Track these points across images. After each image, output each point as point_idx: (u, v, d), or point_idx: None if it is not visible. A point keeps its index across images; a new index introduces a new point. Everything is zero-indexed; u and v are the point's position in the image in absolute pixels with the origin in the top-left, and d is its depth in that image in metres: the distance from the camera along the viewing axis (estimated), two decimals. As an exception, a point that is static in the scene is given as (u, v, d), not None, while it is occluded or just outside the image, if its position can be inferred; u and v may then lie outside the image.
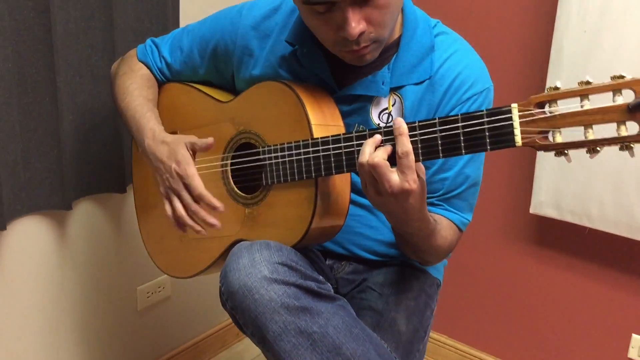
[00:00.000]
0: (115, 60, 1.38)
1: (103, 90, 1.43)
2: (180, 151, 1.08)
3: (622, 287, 1.61)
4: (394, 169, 0.89)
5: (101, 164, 1.47)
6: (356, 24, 0.92)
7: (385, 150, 0.90)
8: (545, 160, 1.57)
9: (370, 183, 0.91)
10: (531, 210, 1.64)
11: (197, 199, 1.05)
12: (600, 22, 1.42)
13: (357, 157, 0.93)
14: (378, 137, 0.91)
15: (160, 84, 1.27)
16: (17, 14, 1.26)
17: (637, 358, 1.62)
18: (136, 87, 1.22)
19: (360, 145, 0.94)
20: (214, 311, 1.93)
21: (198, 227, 1.08)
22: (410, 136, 0.89)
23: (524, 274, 1.76)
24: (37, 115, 1.33)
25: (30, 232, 1.40)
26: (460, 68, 1.06)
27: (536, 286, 1.75)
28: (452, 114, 1.03)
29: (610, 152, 1.43)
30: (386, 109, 1.08)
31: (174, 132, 1.20)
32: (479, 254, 1.83)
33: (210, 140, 1.07)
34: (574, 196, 1.54)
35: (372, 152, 0.90)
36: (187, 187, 1.05)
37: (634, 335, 1.62)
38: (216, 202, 1.05)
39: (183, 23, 1.55)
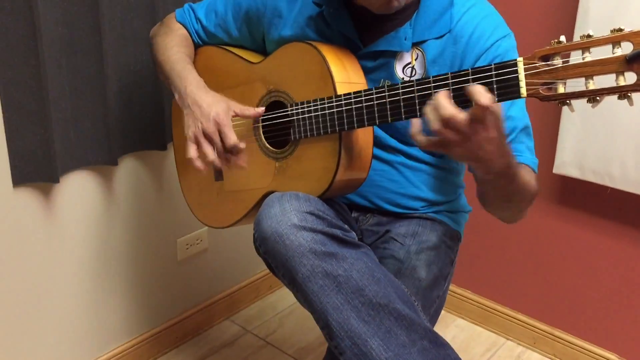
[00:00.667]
0: (155, 24, 1.46)
1: (144, 52, 1.52)
2: (222, 105, 1.15)
3: (642, 245, 1.65)
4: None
5: (143, 122, 1.57)
6: None
7: (445, 96, 0.88)
8: (568, 122, 1.61)
9: (451, 131, 0.88)
10: (554, 170, 1.68)
11: (230, 148, 1.12)
12: (627, -16, 1.44)
13: (377, 108, 0.99)
14: (442, 94, 0.89)
15: (196, 46, 1.34)
16: (65, -20, 1.34)
17: (655, 313, 1.68)
18: (175, 44, 1.29)
19: (380, 99, 1.00)
20: (248, 263, 2.04)
21: (223, 167, 1.14)
22: (424, 89, 0.95)
23: (546, 232, 1.82)
24: (85, 76, 1.42)
25: (80, 185, 1.52)
26: (479, 20, 1.11)
27: (558, 243, 1.80)
28: (478, 62, 1.09)
29: (632, 114, 1.46)
30: (409, 63, 1.14)
31: None
32: (503, 212, 1.88)
33: (250, 110, 1.15)
34: (596, 157, 1.58)
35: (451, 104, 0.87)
36: (222, 135, 1.12)
37: (653, 292, 1.67)
38: (243, 162, 1.13)
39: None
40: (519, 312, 1.93)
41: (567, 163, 1.64)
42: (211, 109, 1.14)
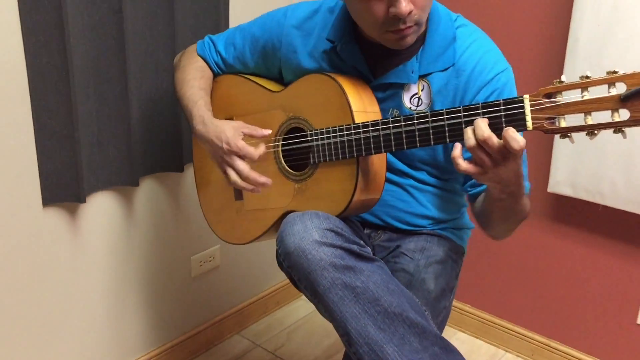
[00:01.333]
0: (175, 54, 1.56)
1: (164, 81, 1.62)
2: (226, 132, 1.25)
3: (632, 260, 1.75)
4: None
5: (163, 146, 1.66)
6: (406, 3, 1.08)
7: (485, 123, 0.99)
8: (562, 144, 1.72)
9: (493, 154, 0.99)
10: (549, 189, 1.79)
11: (255, 160, 1.24)
12: (613, 16, 1.55)
13: (392, 138, 1.10)
14: (480, 122, 1.00)
15: (217, 76, 1.44)
16: (94, 14, 1.44)
17: (645, 324, 1.78)
18: (192, 78, 1.39)
19: (396, 129, 1.10)
20: (257, 280, 2.13)
21: (251, 187, 1.26)
22: (438, 120, 1.05)
23: (542, 248, 1.92)
24: (110, 103, 1.52)
25: (104, 204, 1.61)
26: (480, 54, 1.21)
27: (553, 259, 1.91)
28: (479, 94, 1.20)
29: (620, 136, 1.57)
30: (416, 94, 1.24)
31: (229, 118, 1.39)
32: (501, 229, 1.99)
33: (259, 130, 1.26)
34: (588, 176, 1.69)
35: (473, 133, 1.00)
36: (244, 158, 1.23)
37: (643, 304, 1.77)
38: (264, 179, 1.24)
39: (232, 21, 1.73)
40: (517, 325, 2.03)
41: (560, 182, 1.75)
42: (221, 142, 1.25)
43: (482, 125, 0.99)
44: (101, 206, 1.60)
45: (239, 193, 1.39)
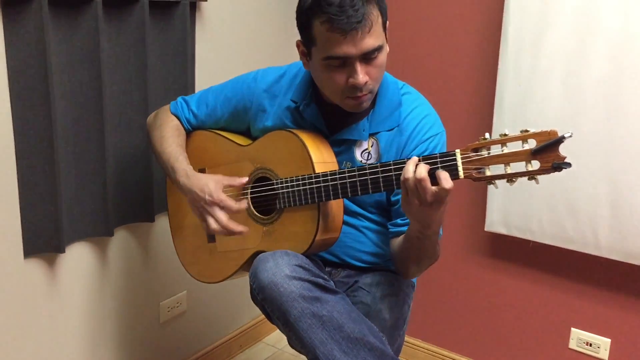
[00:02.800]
0: (147, 114, 1.72)
1: (137, 138, 1.76)
2: (209, 185, 1.41)
3: (561, 289, 1.97)
4: (433, 185, 1.17)
5: (135, 198, 1.80)
6: (363, 75, 1.28)
7: (425, 167, 1.18)
8: (494, 188, 1.94)
9: (412, 195, 1.19)
10: (486, 229, 2.00)
11: (236, 211, 1.38)
12: (531, 78, 1.81)
13: (349, 186, 1.29)
14: (415, 158, 1.20)
15: (189, 132, 1.60)
16: (75, 80, 1.59)
17: (576, 348, 1.98)
18: (170, 136, 1.55)
19: (351, 178, 1.29)
20: (222, 325, 2.24)
21: (226, 233, 1.40)
22: (387, 171, 1.25)
23: (481, 282, 2.12)
24: (89, 160, 1.65)
25: (82, 254, 1.72)
26: (420, 118, 1.43)
27: (491, 292, 2.11)
28: (415, 151, 1.40)
29: (545, 179, 1.80)
30: (366, 149, 1.44)
31: (202, 170, 1.55)
32: (445, 267, 2.18)
33: (237, 180, 1.42)
34: (519, 215, 1.91)
35: (414, 169, 1.18)
36: (224, 209, 1.38)
37: (573, 329, 1.98)
38: (240, 228, 1.39)
39: (198, 85, 1.90)
40: (463, 356, 2.20)
41: (495, 222, 1.97)
42: (204, 193, 1.40)
43: (422, 168, 1.18)
44: (79, 256, 1.71)
45: (211, 236, 1.53)
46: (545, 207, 1.86)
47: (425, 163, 1.20)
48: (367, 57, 1.28)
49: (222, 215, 1.39)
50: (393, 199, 1.44)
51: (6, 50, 1.45)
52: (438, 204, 1.19)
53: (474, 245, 2.12)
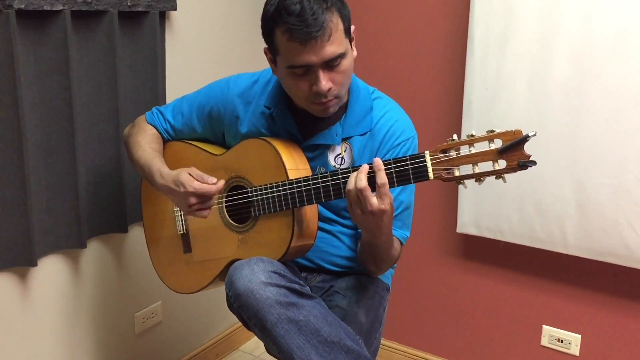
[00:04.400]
0: (119, 125, 1.72)
1: (107, 149, 1.76)
2: (181, 176, 1.39)
3: (532, 287, 2.01)
4: (373, 194, 1.24)
5: (108, 209, 1.79)
6: (326, 82, 1.30)
7: (365, 178, 1.24)
8: (465, 190, 1.98)
9: (355, 204, 1.25)
10: (458, 230, 2.04)
11: (213, 193, 1.37)
12: (498, 81, 1.85)
13: (322, 191, 1.30)
14: (366, 167, 1.24)
15: (166, 142, 1.60)
16: (44, 91, 1.58)
17: (548, 344, 2.02)
18: (146, 142, 1.55)
19: (324, 183, 1.31)
20: (197, 334, 2.24)
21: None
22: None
23: (454, 283, 2.16)
24: (59, 171, 1.64)
25: (55, 267, 1.71)
26: (392, 122, 1.45)
27: (465, 292, 2.14)
28: (387, 155, 1.43)
29: (513, 181, 1.85)
30: (340, 154, 1.46)
31: None
32: (418, 269, 2.21)
33: (208, 178, 1.40)
34: (489, 216, 1.95)
35: (357, 181, 1.24)
36: (202, 196, 1.37)
37: (544, 326, 2.02)
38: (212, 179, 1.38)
39: (168, 93, 1.90)
40: (439, 357, 2.23)
41: (467, 223, 2.00)
42: (179, 188, 1.38)
43: (362, 177, 1.23)
44: (51, 269, 1.69)
45: (187, 246, 1.53)
46: (514, 207, 1.90)
47: (397, 166, 1.23)
48: (330, 64, 1.30)
49: (198, 204, 1.38)
50: None
51: (-27, 63, 1.44)
52: (381, 212, 1.23)
53: (447, 246, 2.15)
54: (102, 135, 1.74)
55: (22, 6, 1.46)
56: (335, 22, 1.28)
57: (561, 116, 1.77)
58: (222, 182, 1.39)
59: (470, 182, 1.20)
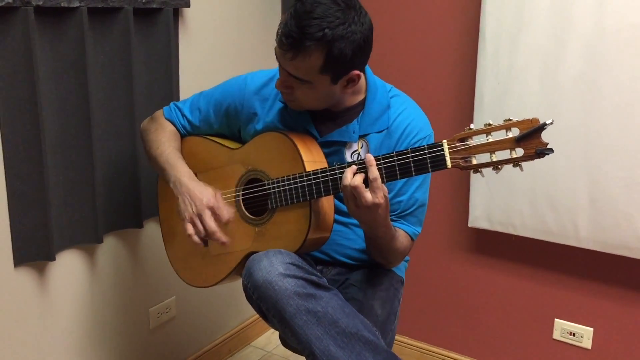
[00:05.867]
0: (134, 120, 1.73)
1: (123, 145, 1.77)
2: (210, 191, 1.43)
3: (544, 281, 2.02)
4: (367, 189, 1.27)
5: (124, 204, 1.80)
6: (280, 82, 1.37)
7: (361, 176, 1.28)
8: (477, 184, 1.99)
9: (350, 199, 1.30)
10: (469, 224, 2.05)
11: (226, 222, 1.41)
12: (509, 75, 1.86)
13: (340, 182, 1.32)
14: (354, 167, 1.29)
15: (183, 137, 1.62)
16: (62, 88, 1.59)
17: (560, 338, 2.03)
18: (166, 139, 1.57)
19: (341, 174, 1.32)
20: (211, 329, 2.25)
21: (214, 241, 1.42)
22: (376, 165, 1.28)
23: (466, 277, 2.17)
24: (76, 167, 1.66)
25: (72, 261, 1.72)
26: (409, 121, 1.47)
27: (476, 286, 2.15)
28: None
29: (525, 174, 1.85)
30: (356, 150, 1.47)
31: (195, 174, 1.55)
32: (430, 264, 2.22)
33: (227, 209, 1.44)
34: (501, 210, 1.96)
35: (352, 177, 1.28)
36: (218, 214, 1.40)
37: (556, 320, 2.03)
38: (224, 239, 1.41)
39: (182, 89, 1.91)
40: (451, 351, 2.24)
41: (478, 217, 2.01)
42: (203, 196, 1.41)
43: (350, 175, 1.28)
44: (69, 263, 1.71)
45: (203, 240, 1.54)
46: (526, 201, 1.91)
47: (415, 156, 1.25)
48: (290, 76, 1.34)
49: (211, 222, 1.40)
50: None
51: (-7, 60, 1.45)
52: (375, 206, 1.27)
53: (458, 241, 2.16)
54: (118, 131, 1.76)
55: (40, 3, 1.48)
56: (313, 58, 1.28)
57: (573, 109, 1.78)
58: (232, 214, 1.44)
59: (487, 171, 1.21)
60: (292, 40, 1.27)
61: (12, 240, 1.56)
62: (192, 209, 1.42)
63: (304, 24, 1.26)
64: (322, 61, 1.29)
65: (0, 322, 1.57)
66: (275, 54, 1.34)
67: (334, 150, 1.47)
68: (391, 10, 2.15)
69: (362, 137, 1.46)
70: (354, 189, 1.27)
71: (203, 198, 1.41)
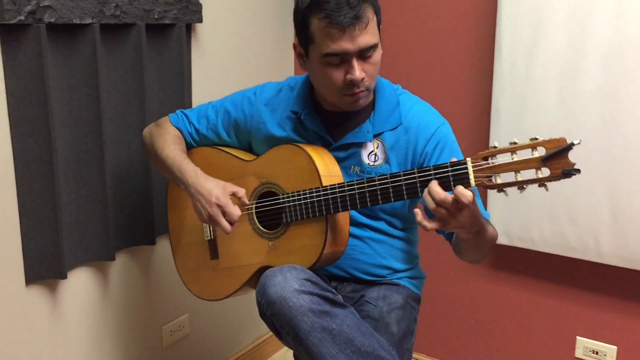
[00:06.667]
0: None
1: (135, 161, 1.76)
2: (220, 188, 1.40)
3: (565, 298, 1.97)
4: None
5: (136, 222, 1.79)
6: (360, 72, 1.31)
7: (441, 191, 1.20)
8: (495, 199, 1.95)
9: (450, 209, 1.18)
10: (487, 240, 2.00)
11: (234, 221, 1.39)
12: (526, 89, 1.83)
13: (367, 198, 1.30)
14: (435, 181, 1.20)
15: (192, 147, 1.60)
16: (74, 103, 1.59)
17: (582, 356, 1.97)
18: (172, 143, 1.55)
19: (360, 189, 1.30)
20: (225, 347, 2.22)
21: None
22: (397, 181, 1.25)
23: (485, 294, 2.12)
24: (88, 184, 1.65)
25: (84, 279, 1.71)
26: (422, 114, 1.45)
27: (495, 303, 2.10)
28: (428, 145, 1.41)
29: (545, 190, 1.81)
30: (372, 151, 1.44)
31: None
32: (447, 280, 2.18)
33: (242, 190, 1.42)
34: (520, 225, 1.92)
35: (442, 190, 1.19)
36: (226, 213, 1.38)
37: (579, 338, 1.97)
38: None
39: (194, 104, 1.90)
40: (469, 370, 2.19)
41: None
42: (211, 195, 1.39)
43: (437, 188, 1.19)
44: (81, 281, 1.69)
45: (214, 252, 1.52)
46: (545, 216, 1.86)
47: (437, 173, 1.22)
48: (364, 55, 1.31)
49: (224, 221, 1.38)
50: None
51: (5, 76, 1.45)
52: (465, 210, 1.19)
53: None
54: (130, 147, 1.75)
55: (53, 20, 1.48)
56: (371, 14, 1.31)
57: (593, 123, 1.74)
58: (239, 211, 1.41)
59: (511, 190, 1.17)
60: (356, 4, 1.27)
61: (23, 258, 1.55)
62: (205, 211, 1.40)
63: None
64: (374, 14, 1.32)
65: (12, 340, 1.55)
66: (339, 51, 1.29)
67: (350, 154, 1.45)
68: (407, 23, 2.13)
69: (376, 136, 1.44)
70: (442, 202, 1.18)
71: (212, 197, 1.39)
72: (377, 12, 1.34)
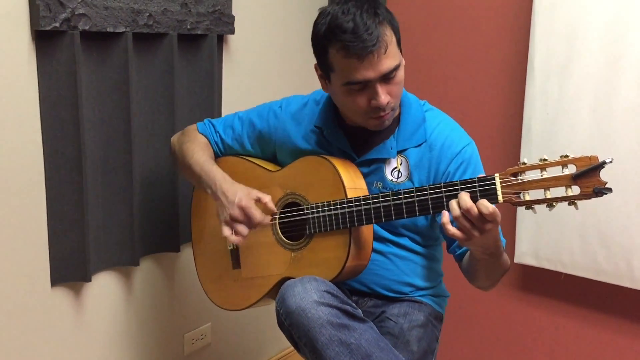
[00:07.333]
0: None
1: (163, 169, 1.77)
2: (244, 191, 1.39)
3: (595, 323, 1.91)
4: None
5: (161, 228, 1.80)
6: (385, 96, 1.30)
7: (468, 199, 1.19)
8: (524, 218, 1.91)
9: (473, 223, 1.18)
10: (515, 260, 1.96)
11: (256, 224, 1.37)
12: (558, 107, 1.80)
13: (392, 211, 1.28)
14: (464, 192, 1.19)
15: (217, 156, 1.60)
16: (104, 110, 1.61)
17: (612, 385, 1.91)
18: (200, 149, 1.55)
19: (385, 202, 1.28)
20: (247, 358, 2.21)
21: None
22: (422, 195, 1.24)
23: (512, 316, 2.07)
24: (116, 189, 1.66)
25: (108, 283, 1.72)
26: (447, 132, 1.43)
27: (522, 326, 2.05)
28: (451, 164, 1.39)
29: (575, 210, 1.77)
30: (396, 167, 1.43)
31: None
32: (473, 301, 2.13)
33: (267, 196, 1.41)
34: (549, 246, 1.87)
35: (469, 199, 1.18)
36: (249, 215, 1.36)
37: (608, 365, 1.91)
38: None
39: (224, 114, 1.91)
40: (494, 393, 2.13)
41: (525, 253, 1.93)
42: (235, 196, 1.39)
43: (465, 197, 1.18)
44: (105, 285, 1.71)
45: (236, 262, 1.52)
46: (576, 237, 1.82)
47: (464, 189, 1.20)
48: (386, 77, 1.30)
49: (242, 227, 1.37)
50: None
51: (39, 82, 1.48)
52: (488, 229, 1.18)
53: (504, 277, 2.07)
54: (159, 154, 1.76)
55: (87, 27, 1.51)
56: (389, 35, 1.28)
57: (628, 141, 1.70)
58: (268, 218, 1.40)
59: (539, 208, 1.15)
60: (373, 29, 1.25)
61: (50, 260, 1.57)
62: (227, 212, 1.39)
63: (365, 18, 1.25)
64: (393, 34, 1.30)
65: (36, 341, 1.57)
66: (361, 80, 1.28)
67: (374, 169, 1.43)
68: (439, 39, 2.12)
69: (400, 152, 1.42)
70: (467, 212, 1.17)
71: (235, 199, 1.38)
72: (396, 31, 1.32)
